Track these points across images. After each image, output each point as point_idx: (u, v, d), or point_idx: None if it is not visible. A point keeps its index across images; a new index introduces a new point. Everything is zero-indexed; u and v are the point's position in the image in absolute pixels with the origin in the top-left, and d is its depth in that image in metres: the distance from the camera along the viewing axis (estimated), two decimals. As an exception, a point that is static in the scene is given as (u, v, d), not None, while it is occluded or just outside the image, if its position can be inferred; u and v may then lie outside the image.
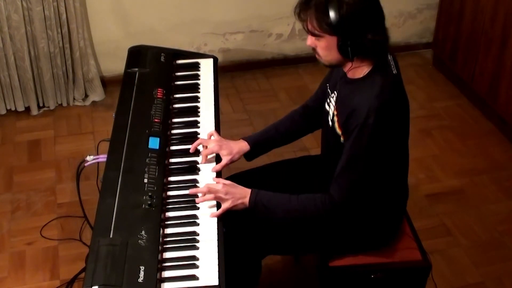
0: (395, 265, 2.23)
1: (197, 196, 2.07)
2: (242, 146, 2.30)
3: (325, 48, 1.94)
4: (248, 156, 2.32)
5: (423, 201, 3.21)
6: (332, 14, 1.85)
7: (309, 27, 1.93)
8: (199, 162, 2.23)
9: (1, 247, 2.94)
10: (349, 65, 1.98)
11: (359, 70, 1.99)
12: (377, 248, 2.24)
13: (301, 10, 1.94)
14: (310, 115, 2.35)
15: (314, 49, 1.99)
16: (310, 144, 3.45)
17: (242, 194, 2.05)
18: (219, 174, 2.20)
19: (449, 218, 3.12)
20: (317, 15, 1.88)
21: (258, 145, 2.33)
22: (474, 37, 3.75)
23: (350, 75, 2.03)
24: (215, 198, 2.04)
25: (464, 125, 3.79)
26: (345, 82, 2.06)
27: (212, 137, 2.31)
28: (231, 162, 2.27)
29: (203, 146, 2.27)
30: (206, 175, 2.19)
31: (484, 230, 3.05)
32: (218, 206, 2.06)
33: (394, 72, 2.00)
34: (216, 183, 2.08)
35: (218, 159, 2.26)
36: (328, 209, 2.01)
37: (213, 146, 2.25)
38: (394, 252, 2.25)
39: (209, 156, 2.25)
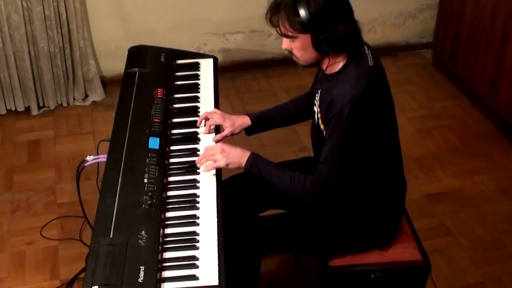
0: (395, 265, 2.23)
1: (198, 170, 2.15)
2: (245, 120, 2.39)
3: (300, 48, 2.00)
4: (248, 130, 2.41)
5: (423, 201, 3.21)
6: (302, 12, 1.90)
7: (282, 30, 1.98)
8: (199, 162, 2.23)
9: (1, 247, 2.95)
10: (326, 61, 2.04)
11: (335, 65, 2.04)
12: (377, 246, 2.24)
13: (272, 15, 1.98)
14: (309, 103, 2.38)
15: (290, 52, 2.05)
16: (310, 144, 3.43)
17: (239, 155, 2.12)
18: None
19: (449, 218, 3.12)
20: (288, 16, 1.93)
21: (259, 122, 2.41)
22: (474, 37, 3.75)
23: (328, 71, 2.08)
24: (211, 157, 2.11)
25: (464, 125, 3.79)
26: (325, 79, 2.10)
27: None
28: (232, 134, 2.37)
29: (206, 118, 2.39)
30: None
31: (484, 230, 3.05)
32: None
33: (370, 64, 2.03)
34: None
35: (218, 132, 2.37)
36: (314, 193, 2.04)
37: (217, 117, 2.36)
38: (394, 252, 2.25)
39: (211, 127, 2.37)
